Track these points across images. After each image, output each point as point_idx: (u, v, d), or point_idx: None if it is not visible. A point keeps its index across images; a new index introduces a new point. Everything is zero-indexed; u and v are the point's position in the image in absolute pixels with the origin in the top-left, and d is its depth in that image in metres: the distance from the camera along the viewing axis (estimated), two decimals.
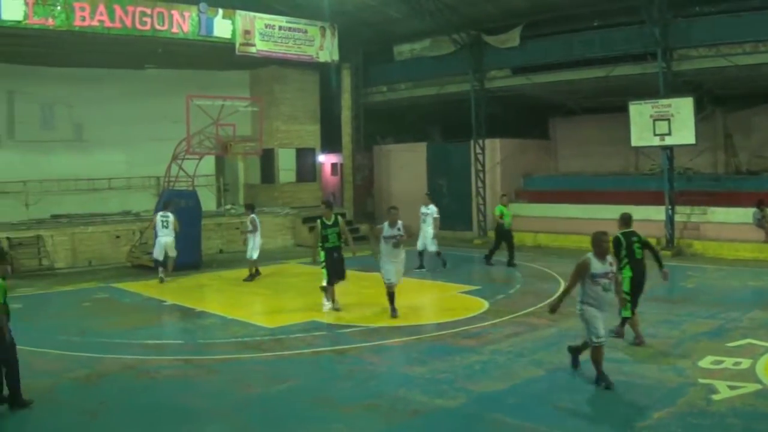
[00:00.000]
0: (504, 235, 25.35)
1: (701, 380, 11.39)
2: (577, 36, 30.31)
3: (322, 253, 17.77)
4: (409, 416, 10.35)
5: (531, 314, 17.07)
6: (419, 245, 24.64)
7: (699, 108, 27.19)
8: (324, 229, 17.69)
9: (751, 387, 10.98)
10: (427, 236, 24.49)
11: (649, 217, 26.46)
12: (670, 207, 27.75)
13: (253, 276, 23.11)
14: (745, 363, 12.20)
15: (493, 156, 34.57)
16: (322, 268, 17.88)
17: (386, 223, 17.23)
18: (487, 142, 34.19)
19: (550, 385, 11.57)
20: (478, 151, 34.16)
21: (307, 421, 10.21)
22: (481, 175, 34.28)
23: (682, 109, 26.56)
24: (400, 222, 17.23)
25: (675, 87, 27.34)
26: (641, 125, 27.47)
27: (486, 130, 33.97)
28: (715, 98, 30.38)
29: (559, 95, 33.75)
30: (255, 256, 23.05)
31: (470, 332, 15.34)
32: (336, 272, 17.78)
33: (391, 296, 17.00)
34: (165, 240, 23.00)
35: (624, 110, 28.14)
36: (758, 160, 31.49)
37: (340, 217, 18.19)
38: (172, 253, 23.20)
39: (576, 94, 33.14)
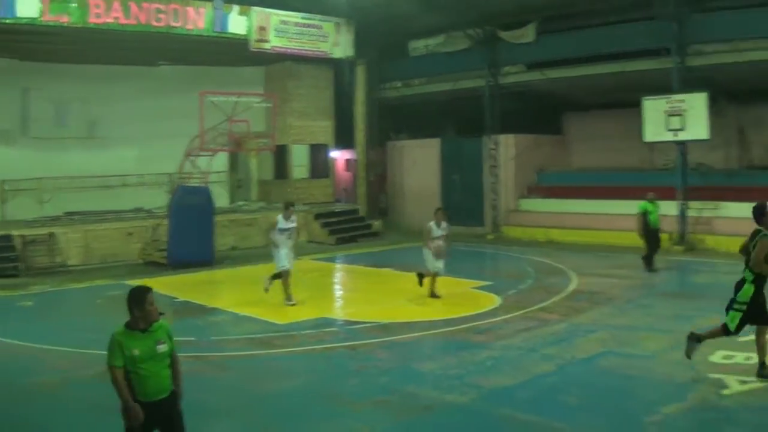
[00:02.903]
0: (652, 234, 23.47)
1: (711, 375, 11.39)
2: (591, 31, 30.27)
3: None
4: (420, 412, 10.37)
5: (542, 309, 17.10)
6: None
7: (712, 103, 27.08)
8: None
9: (762, 382, 10.94)
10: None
11: (661, 212, 26.34)
12: (683, 202, 27.67)
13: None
14: (756, 358, 12.13)
15: (506, 151, 34.50)
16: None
17: (433, 223, 18.37)
18: (501, 137, 34.18)
19: (560, 380, 11.58)
20: (492, 146, 34.18)
21: (318, 417, 10.23)
22: (495, 170, 34.22)
23: (696, 104, 26.56)
24: (444, 222, 18.55)
25: (689, 82, 27.24)
26: (655, 120, 27.47)
27: (500, 125, 33.93)
28: (729, 93, 30.26)
29: (573, 90, 33.71)
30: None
31: (481, 328, 15.36)
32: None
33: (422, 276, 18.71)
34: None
35: (637, 106, 28.16)
36: None
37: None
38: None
39: (590, 90, 33.09)
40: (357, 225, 33.72)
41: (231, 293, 21.54)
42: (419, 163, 37.56)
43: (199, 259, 24.99)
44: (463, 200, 34.67)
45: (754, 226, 10.88)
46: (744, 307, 10.73)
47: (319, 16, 32.85)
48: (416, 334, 14.90)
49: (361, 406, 10.67)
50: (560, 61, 31.41)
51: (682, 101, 26.84)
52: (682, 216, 27.73)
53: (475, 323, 15.77)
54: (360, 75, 36.26)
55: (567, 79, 31.91)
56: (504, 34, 32.78)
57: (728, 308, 11.06)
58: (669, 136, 27.55)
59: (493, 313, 16.76)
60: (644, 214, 22.76)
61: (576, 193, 32.87)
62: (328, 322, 16.43)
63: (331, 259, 27.19)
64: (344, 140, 37.39)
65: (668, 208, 27.23)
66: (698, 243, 27.36)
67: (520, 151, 34.69)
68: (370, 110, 37.11)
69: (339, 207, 35.57)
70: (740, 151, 32.25)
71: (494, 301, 18.05)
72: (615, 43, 28.93)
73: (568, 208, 31.84)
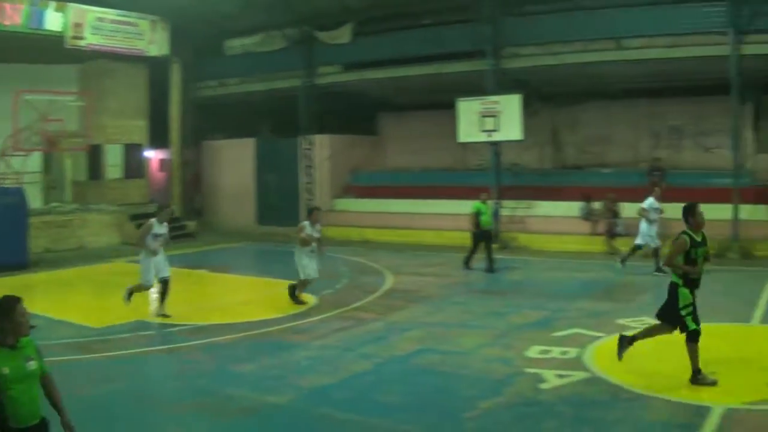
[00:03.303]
0: (484, 235, 23.25)
1: (528, 370, 11.55)
2: (407, 33, 30.49)
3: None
4: (238, 414, 10.20)
5: (358, 309, 17.11)
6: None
7: (527, 105, 27.64)
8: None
9: (579, 375, 11.22)
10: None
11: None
12: (496, 201, 28.13)
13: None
14: (573, 352, 12.47)
15: (321, 151, 34.46)
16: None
17: (307, 223, 17.56)
18: (316, 137, 34.13)
19: (378, 379, 11.57)
20: (307, 146, 34.06)
21: (135, 421, 9.97)
22: (310, 170, 34.11)
23: (510, 105, 27.06)
24: (319, 224, 17.83)
25: (504, 84, 27.78)
26: (469, 121, 27.88)
27: (315, 126, 33.83)
28: (543, 95, 31.00)
29: (389, 91, 33.98)
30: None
31: (298, 328, 15.26)
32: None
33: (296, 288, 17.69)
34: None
35: (453, 107, 28.52)
36: (584, 155, 32.31)
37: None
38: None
39: (406, 91, 33.43)
40: (172, 226, 32.82)
41: (46, 297, 20.61)
42: (234, 163, 37.16)
43: (13, 262, 23.94)
44: (279, 200, 34.53)
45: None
46: (691, 308, 10.77)
47: (135, 14, 32.11)
48: (234, 336, 14.66)
49: (179, 409, 10.45)
50: (376, 63, 31.51)
51: (497, 103, 27.30)
52: (496, 215, 28.13)
53: (292, 323, 15.65)
54: (175, 74, 35.61)
55: (383, 80, 32.08)
56: (321, 35, 32.71)
57: (674, 318, 10.95)
58: (483, 137, 27.99)
59: (309, 313, 16.67)
60: (477, 214, 22.81)
61: (391, 192, 33.10)
62: (145, 326, 16.00)
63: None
64: (159, 140, 36.59)
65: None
66: (511, 241, 27.81)
67: (335, 151, 34.71)
68: (185, 109, 36.43)
69: (153, 208, 34.62)
70: (554, 151, 33.13)
71: (310, 301, 17.89)
72: (431, 45, 29.13)
73: (383, 208, 32.02)
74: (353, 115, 36.33)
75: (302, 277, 17.45)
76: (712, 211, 24.33)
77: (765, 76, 27.56)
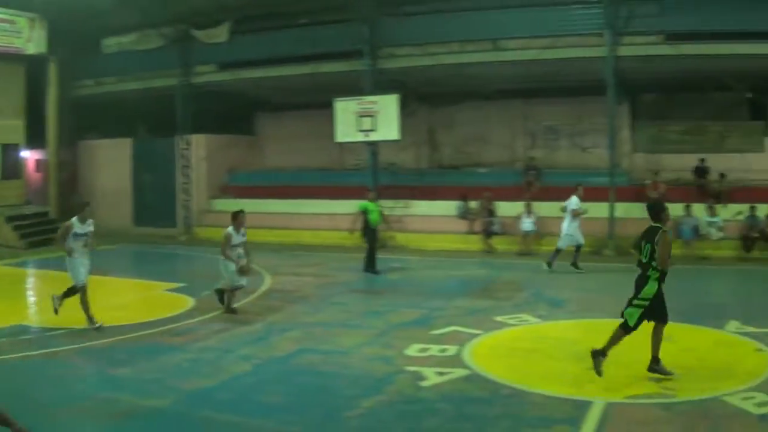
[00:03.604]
0: (373, 234, 22.89)
1: (408, 368, 11.55)
2: (285, 33, 30.41)
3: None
4: (119, 418, 9.97)
5: (238, 309, 16.71)
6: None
7: (404, 105, 27.74)
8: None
9: (459, 372, 11.26)
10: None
11: (353, 211, 26.71)
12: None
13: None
14: (452, 349, 12.53)
15: (198, 151, 34.18)
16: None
17: (231, 229, 16.36)
18: (193, 137, 33.82)
19: (258, 379, 11.47)
20: (184, 146, 33.74)
21: None
22: (187, 170, 33.74)
23: (387, 106, 27.16)
24: (244, 228, 16.60)
25: (381, 84, 27.92)
26: (346, 121, 27.92)
27: (192, 125, 33.50)
28: (420, 95, 31.20)
29: (266, 91, 33.87)
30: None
31: (177, 330, 15.04)
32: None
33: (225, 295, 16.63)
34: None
35: (330, 107, 28.46)
36: (460, 155, 32.65)
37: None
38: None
39: (283, 91, 33.37)
40: (48, 227, 32.11)
41: None
42: (111, 163, 36.48)
43: None
44: (155, 201, 34.18)
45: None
46: (646, 303, 10.81)
47: (12, 11, 31.33)
48: (112, 339, 14.32)
49: (59, 414, 10.14)
50: (254, 62, 31.33)
51: (374, 103, 27.38)
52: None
53: (171, 326, 15.40)
54: (52, 72, 34.87)
55: (260, 79, 31.96)
56: (198, 34, 32.36)
57: (627, 305, 11.01)
58: (360, 137, 28.05)
59: (188, 314, 16.44)
60: (364, 213, 22.60)
61: (268, 192, 32.96)
62: (23, 330, 15.51)
63: (23, 264, 26.06)
64: (36, 140, 35.60)
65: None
66: (389, 240, 27.81)
67: (212, 151, 34.45)
68: (62, 109, 35.65)
69: (29, 209, 33.88)
70: (430, 151, 33.38)
71: (189, 302, 17.66)
72: (308, 44, 29.13)
73: (260, 208, 31.75)
74: (231, 114, 36.14)
75: (231, 285, 16.44)
76: (589, 210, 24.98)
77: (640, 77, 28.25)
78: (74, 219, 15.49)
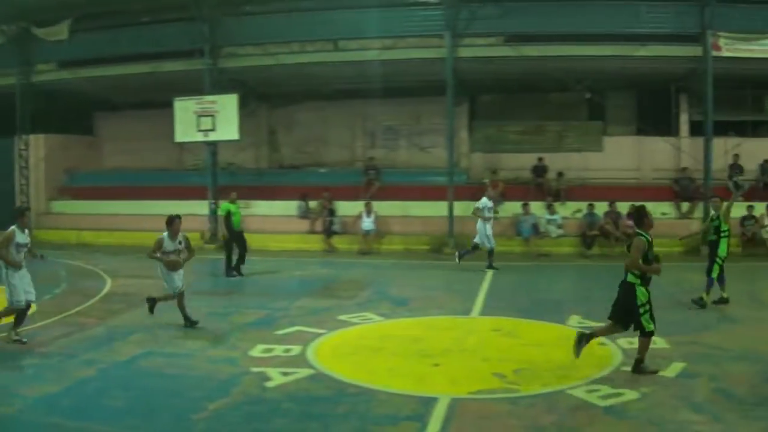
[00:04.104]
0: (237, 236, 22.27)
1: (254, 369, 11.50)
2: (125, 31, 29.92)
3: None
4: None
5: (79, 314, 16.51)
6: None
7: (244, 105, 27.67)
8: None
9: (304, 372, 11.26)
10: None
11: (193, 211, 26.51)
12: (213, 201, 28.05)
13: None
14: (296, 349, 12.52)
15: (37, 152, 33.34)
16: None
17: (166, 235, 14.85)
18: (32, 137, 33.04)
19: (104, 384, 11.19)
20: (23, 147, 32.84)
21: None
22: (25, 172, 32.91)
23: (227, 105, 27.09)
24: (181, 235, 15.17)
25: (221, 84, 27.79)
26: (186, 121, 27.72)
27: (31, 125, 32.64)
28: (261, 95, 31.15)
29: (106, 90, 33.21)
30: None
31: (19, 335, 14.37)
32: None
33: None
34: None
35: (171, 106, 28.19)
36: (300, 155, 32.72)
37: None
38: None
39: (123, 90, 32.77)
40: None
41: None
42: None
43: None
44: None
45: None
46: (648, 306, 10.99)
47: None
48: None
49: None
50: (94, 60, 30.73)
51: (214, 102, 27.26)
52: (213, 215, 28.09)
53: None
54: None
55: (100, 78, 31.36)
56: (38, 31, 31.41)
57: (629, 317, 11.16)
58: (200, 137, 27.90)
59: (29, 319, 15.81)
60: (227, 216, 22.04)
61: (108, 194, 32.47)
62: None
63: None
64: None
65: (200, 208, 27.56)
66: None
67: (51, 152, 33.70)
68: None
69: None
70: (270, 151, 33.34)
71: (31, 307, 17.08)
72: (149, 43, 28.85)
73: (100, 210, 31.35)
74: (70, 114, 35.29)
75: (168, 291, 15.07)
76: (428, 209, 25.33)
77: (480, 78, 28.79)
78: (14, 227, 13.71)
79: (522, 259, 24.94)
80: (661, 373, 11.03)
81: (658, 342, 12.57)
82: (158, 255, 14.73)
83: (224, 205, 22.50)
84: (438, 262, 24.48)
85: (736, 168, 28.59)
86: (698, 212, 27.42)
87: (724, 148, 28.50)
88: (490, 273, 21.67)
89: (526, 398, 10.02)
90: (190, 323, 14.90)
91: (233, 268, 21.86)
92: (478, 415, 9.49)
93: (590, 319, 14.64)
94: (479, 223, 22.64)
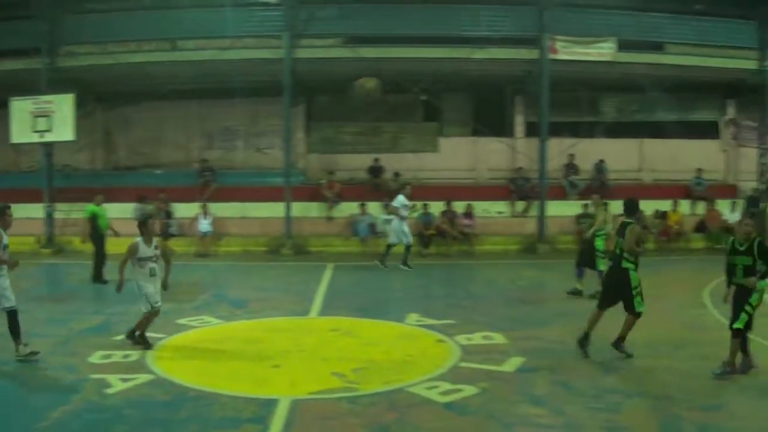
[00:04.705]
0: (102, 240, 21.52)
1: (93, 376, 11.43)
2: None
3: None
4: None
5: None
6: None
7: (81, 105, 27.31)
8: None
9: (143, 377, 11.32)
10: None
11: (28, 215, 26.03)
12: (49, 204, 27.61)
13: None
14: (135, 355, 12.57)
15: None
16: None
17: (140, 240, 13.84)
18: None
19: None
20: None
21: None
22: None
23: (63, 105, 26.66)
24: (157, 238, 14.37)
25: (59, 83, 27.24)
26: (22, 121, 27.09)
27: None
28: (98, 95, 30.78)
29: None
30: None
31: None
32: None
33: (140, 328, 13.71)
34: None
35: (6, 106, 27.57)
36: (137, 156, 32.42)
37: None
38: None
39: None
40: None
41: None
42: None
43: None
44: None
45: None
46: (639, 289, 11.82)
47: None
48: None
49: None
50: None
51: (50, 102, 26.76)
52: (49, 218, 27.68)
53: None
54: None
55: None
56: None
57: (627, 300, 11.92)
58: (36, 138, 27.33)
59: None
60: (93, 219, 21.48)
61: None
62: None
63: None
64: None
65: (35, 211, 27.08)
66: (67, 245, 27.37)
67: None
68: None
69: None
70: (107, 152, 32.90)
71: None
72: None
73: None
74: None
75: (145, 310, 13.49)
76: (266, 210, 25.53)
77: (317, 79, 29.13)
78: None
79: (359, 259, 25.36)
80: (499, 368, 11.55)
81: (496, 337, 13.23)
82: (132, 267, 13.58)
83: (89, 207, 22.01)
84: (276, 263, 24.72)
85: (571, 168, 29.82)
86: (533, 211, 28.50)
87: (559, 149, 29.64)
88: (329, 271, 22.12)
89: (366, 397, 10.33)
90: (147, 345, 13.21)
91: (98, 274, 21.05)
92: (319, 415, 9.73)
93: (429, 317, 15.16)
94: (395, 222, 23.30)
